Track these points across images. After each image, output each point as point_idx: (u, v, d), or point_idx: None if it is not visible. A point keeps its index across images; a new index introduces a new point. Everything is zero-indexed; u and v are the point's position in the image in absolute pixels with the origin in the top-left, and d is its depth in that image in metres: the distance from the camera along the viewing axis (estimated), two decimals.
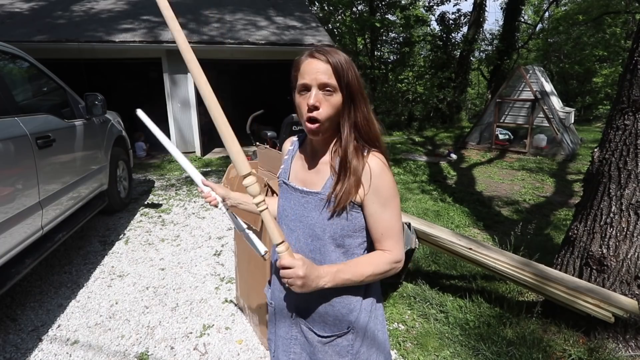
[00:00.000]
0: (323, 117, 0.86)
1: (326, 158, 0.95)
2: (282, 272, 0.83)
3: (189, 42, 0.89)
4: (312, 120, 0.87)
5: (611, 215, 2.09)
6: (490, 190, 5.52)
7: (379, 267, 0.92)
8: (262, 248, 1.02)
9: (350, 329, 0.97)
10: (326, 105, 0.86)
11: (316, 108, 0.86)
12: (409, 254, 2.59)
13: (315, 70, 0.85)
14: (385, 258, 0.93)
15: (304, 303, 0.97)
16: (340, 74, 0.85)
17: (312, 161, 0.98)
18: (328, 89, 0.85)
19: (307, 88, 0.87)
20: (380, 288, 1.08)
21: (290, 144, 1.09)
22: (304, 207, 0.95)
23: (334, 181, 0.90)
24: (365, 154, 0.90)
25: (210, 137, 8.83)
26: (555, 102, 8.62)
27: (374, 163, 0.89)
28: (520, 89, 8.14)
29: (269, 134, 5.58)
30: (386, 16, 14.50)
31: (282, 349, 1.03)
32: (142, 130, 7.63)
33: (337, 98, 0.86)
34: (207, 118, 9.32)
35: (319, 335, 0.97)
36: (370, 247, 0.98)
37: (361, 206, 0.92)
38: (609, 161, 2.12)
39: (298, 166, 1.01)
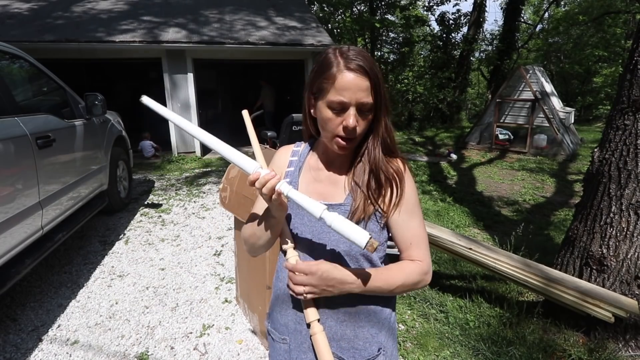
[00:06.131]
0: (358, 137, 0.82)
1: (345, 168, 0.90)
2: (293, 278, 0.78)
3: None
4: (345, 139, 0.81)
5: (611, 215, 2.09)
6: (490, 190, 5.52)
7: (410, 276, 0.85)
8: (363, 237, 0.70)
9: (381, 350, 0.90)
10: (361, 124, 0.81)
11: (354, 129, 0.79)
12: None
13: (356, 88, 0.77)
14: (417, 267, 0.86)
15: (332, 331, 0.87)
16: (377, 90, 0.79)
17: (326, 172, 0.91)
18: (363, 109, 0.80)
19: (344, 106, 0.78)
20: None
21: (291, 154, 0.97)
22: (322, 223, 0.89)
23: (367, 192, 0.85)
24: (391, 161, 0.88)
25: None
26: (556, 102, 8.62)
27: (396, 165, 0.87)
28: (521, 89, 8.14)
29: (269, 134, 5.58)
30: (386, 16, 14.51)
31: None
32: (148, 130, 7.68)
33: (370, 116, 0.82)
34: (207, 116, 9.34)
35: None
36: (387, 262, 0.93)
37: (386, 215, 0.86)
38: (609, 161, 2.12)
39: (308, 179, 0.92)
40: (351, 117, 0.78)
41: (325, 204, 0.84)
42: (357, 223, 0.84)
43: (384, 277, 0.82)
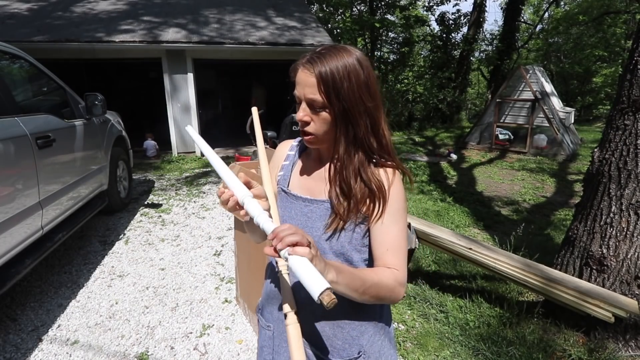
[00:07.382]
0: (314, 132, 0.81)
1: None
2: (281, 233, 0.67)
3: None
4: (304, 132, 0.83)
5: (611, 215, 2.09)
6: (490, 190, 5.52)
7: (383, 280, 0.78)
8: (321, 285, 0.63)
9: (362, 353, 0.88)
10: (316, 120, 0.80)
11: (306, 123, 0.80)
12: (409, 254, 2.59)
13: (303, 83, 0.78)
14: (392, 274, 0.80)
15: (311, 325, 0.87)
16: (329, 88, 0.76)
17: (317, 167, 0.91)
18: (315, 106, 0.78)
19: (299, 100, 0.81)
20: (391, 311, 1.01)
21: (290, 148, 1.00)
22: (308, 217, 0.87)
23: (338, 201, 0.83)
24: (374, 166, 0.84)
25: (210, 137, 8.86)
26: (556, 102, 8.62)
27: (384, 175, 0.83)
28: (521, 89, 8.15)
29: (269, 134, 5.59)
30: (386, 16, 14.51)
31: None
32: (151, 131, 7.77)
33: (326, 114, 0.79)
34: (206, 117, 9.35)
35: None
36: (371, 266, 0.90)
37: (366, 217, 0.83)
38: (609, 161, 2.12)
39: (300, 173, 0.94)
40: (300, 111, 0.81)
41: (312, 199, 0.88)
42: (334, 231, 0.83)
43: (357, 270, 0.78)
